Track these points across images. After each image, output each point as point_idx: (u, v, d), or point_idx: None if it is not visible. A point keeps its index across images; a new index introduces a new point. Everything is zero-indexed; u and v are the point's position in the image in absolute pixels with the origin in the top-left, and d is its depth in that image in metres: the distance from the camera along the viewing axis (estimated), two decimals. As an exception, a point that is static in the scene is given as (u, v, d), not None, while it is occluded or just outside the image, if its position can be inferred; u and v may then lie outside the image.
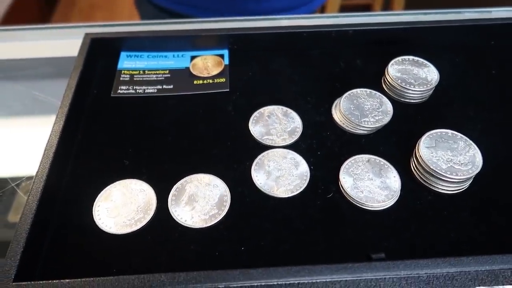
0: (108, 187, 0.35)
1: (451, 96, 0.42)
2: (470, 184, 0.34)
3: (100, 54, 0.45)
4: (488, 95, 0.42)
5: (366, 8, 1.76)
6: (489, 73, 0.44)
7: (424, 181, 0.34)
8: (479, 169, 0.33)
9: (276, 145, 0.38)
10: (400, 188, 0.34)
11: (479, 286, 0.29)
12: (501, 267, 0.28)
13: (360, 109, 0.39)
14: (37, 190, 0.32)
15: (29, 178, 0.43)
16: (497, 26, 0.46)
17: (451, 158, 0.34)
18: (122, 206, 0.33)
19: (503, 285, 0.29)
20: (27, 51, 0.51)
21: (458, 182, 0.33)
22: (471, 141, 0.35)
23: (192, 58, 0.46)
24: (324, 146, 0.38)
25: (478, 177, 0.34)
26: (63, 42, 0.51)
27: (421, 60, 0.43)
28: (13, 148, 0.46)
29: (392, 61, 0.42)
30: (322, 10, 1.69)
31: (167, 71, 0.44)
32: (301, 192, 0.34)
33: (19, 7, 1.58)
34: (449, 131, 0.36)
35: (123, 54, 0.46)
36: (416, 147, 0.35)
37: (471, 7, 0.54)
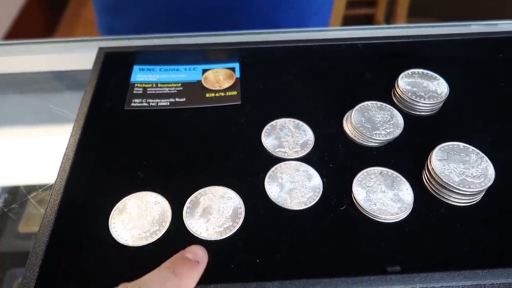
0: (123, 199, 0.35)
1: (461, 108, 0.42)
2: (482, 196, 0.35)
3: (114, 68, 0.46)
4: (497, 108, 0.42)
5: (369, 17, 1.78)
6: (498, 85, 0.45)
7: (437, 193, 0.35)
8: (491, 182, 0.33)
9: (288, 157, 0.38)
10: (412, 200, 0.34)
11: (495, 299, 0.29)
12: (517, 280, 0.28)
13: (371, 122, 0.39)
14: (55, 202, 0.33)
15: (44, 189, 0.43)
16: (505, 39, 0.47)
17: (464, 171, 0.34)
18: (138, 219, 0.34)
19: (518, 298, 0.29)
20: (42, 64, 0.51)
21: (470, 194, 0.33)
22: (482, 154, 0.35)
23: (204, 71, 0.46)
24: (336, 159, 0.38)
25: (490, 190, 0.34)
26: (76, 56, 0.52)
27: (430, 73, 0.43)
28: (27, 159, 0.47)
29: (402, 74, 0.43)
30: (326, 20, 1.71)
31: (179, 84, 0.45)
32: (314, 204, 0.35)
33: (25, 18, 1.61)
34: (461, 144, 0.36)
35: (136, 68, 0.47)
36: (428, 160, 0.35)
37: (477, 20, 0.55)
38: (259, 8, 0.57)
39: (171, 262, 0.28)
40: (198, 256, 0.29)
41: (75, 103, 0.42)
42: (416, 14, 1.70)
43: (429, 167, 0.35)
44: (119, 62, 0.46)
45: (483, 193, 0.34)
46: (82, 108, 0.40)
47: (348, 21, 1.67)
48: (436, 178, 0.34)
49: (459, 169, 0.34)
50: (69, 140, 0.37)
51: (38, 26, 1.76)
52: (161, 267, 0.27)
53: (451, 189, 0.33)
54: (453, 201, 0.34)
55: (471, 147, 0.36)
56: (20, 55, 0.52)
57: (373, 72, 0.46)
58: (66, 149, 0.36)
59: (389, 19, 1.75)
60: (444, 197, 0.34)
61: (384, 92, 0.44)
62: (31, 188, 0.44)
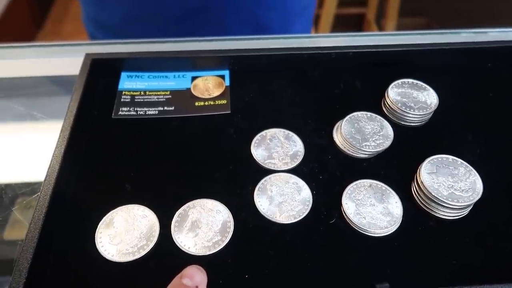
0: (110, 213, 0.34)
1: (450, 119, 0.42)
2: (470, 210, 0.35)
3: (101, 75, 0.45)
4: (486, 118, 0.43)
5: (360, 16, 1.78)
6: (487, 95, 0.45)
7: (426, 206, 0.35)
8: (479, 196, 0.34)
9: (278, 169, 0.38)
10: (402, 214, 0.34)
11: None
12: (503, 296, 0.28)
13: (361, 133, 0.39)
14: (39, 217, 0.32)
15: (28, 200, 0.42)
16: (494, 48, 0.47)
17: (452, 185, 0.34)
18: (125, 233, 0.33)
19: (505, 314, 0.29)
20: (26, 69, 0.50)
21: (459, 208, 0.34)
22: (471, 167, 0.35)
23: (193, 78, 0.46)
24: (326, 170, 0.38)
25: (478, 203, 0.34)
26: (62, 61, 0.51)
27: (420, 83, 0.43)
28: (11, 168, 0.46)
29: (392, 84, 0.43)
30: (317, 19, 1.71)
31: (168, 92, 0.44)
32: (303, 218, 0.34)
33: (12, 13, 1.57)
34: (450, 157, 0.36)
35: (123, 75, 0.46)
36: (417, 173, 0.35)
37: (467, 28, 0.55)
38: (244, 3, 0.57)
39: None
40: (196, 279, 0.27)
41: (61, 110, 0.41)
42: (407, 14, 1.70)
43: (418, 180, 0.35)
44: (107, 69, 0.45)
45: (471, 206, 0.35)
46: (68, 118, 0.39)
47: (339, 20, 1.67)
48: (425, 192, 0.34)
49: (447, 183, 0.34)
50: (54, 151, 0.36)
51: (26, 21, 1.73)
52: None
53: (440, 203, 0.33)
54: (441, 214, 0.34)
55: (459, 160, 0.36)
56: (4, 59, 0.51)
57: (363, 81, 0.46)
58: (51, 160, 0.35)
59: (380, 18, 1.75)
60: (432, 211, 0.34)
61: (374, 101, 0.44)
62: (15, 199, 0.43)
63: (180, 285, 0.26)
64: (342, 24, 1.69)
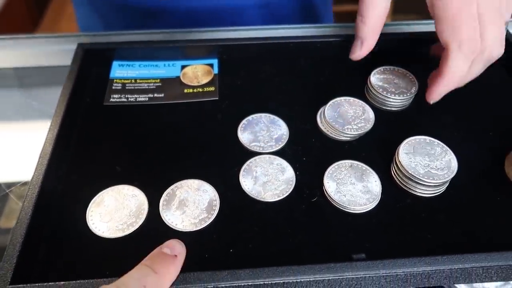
0: (101, 193, 0.36)
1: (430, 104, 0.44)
2: (446, 188, 0.36)
3: (93, 63, 0.46)
4: (464, 103, 0.44)
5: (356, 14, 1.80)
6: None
7: (404, 185, 0.36)
8: (454, 174, 0.35)
9: (263, 151, 0.39)
10: (380, 192, 0.36)
11: (454, 283, 0.30)
12: (473, 265, 0.30)
13: (344, 117, 0.41)
14: (32, 196, 0.33)
15: (23, 184, 0.44)
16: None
17: (428, 163, 0.36)
18: (115, 211, 0.35)
19: (475, 282, 0.30)
20: (20, 60, 0.52)
21: (434, 186, 0.35)
22: (447, 147, 0.37)
23: (183, 67, 0.47)
24: (309, 153, 0.39)
25: (453, 181, 0.36)
26: (55, 52, 0.52)
27: (401, 69, 0.45)
28: (6, 154, 0.47)
29: (374, 71, 0.44)
30: (312, 16, 1.72)
31: (158, 80, 0.46)
32: (287, 196, 0.36)
33: (9, 11, 1.58)
34: (427, 138, 0.38)
35: (115, 63, 0.47)
36: (396, 153, 0.37)
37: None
38: None
39: (149, 259, 0.28)
40: (176, 250, 0.29)
41: (54, 99, 0.42)
42: (401, 11, 1.72)
43: (396, 160, 0.36)
44: (98, 58, 0.47)
45: (447, 184, 0.36)
46: (61, 104, 0.40)
47: (336, 17, 1.68)
48: (402, 170, 0.36)
49: (424, 162, 0.36)
50: (47, 135, 0.38)
51: (22, 20, 1.74)
52: (139, 265, 0.28)
53: (416, 180, 0.35)
54: (418, 192, 0.36)
55: (436, 141, 0.37)
56: (-1, 50, 0.52)
57: (348, 68, 0.48)
58: (44, 144, 0.37)
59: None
60: (410, 189, 0.36)
61: (358, 87, 0.45)
62: (11, 183, 0.44)
63: (160, 253, 0.29)
64: (338, 21, 1.71)
